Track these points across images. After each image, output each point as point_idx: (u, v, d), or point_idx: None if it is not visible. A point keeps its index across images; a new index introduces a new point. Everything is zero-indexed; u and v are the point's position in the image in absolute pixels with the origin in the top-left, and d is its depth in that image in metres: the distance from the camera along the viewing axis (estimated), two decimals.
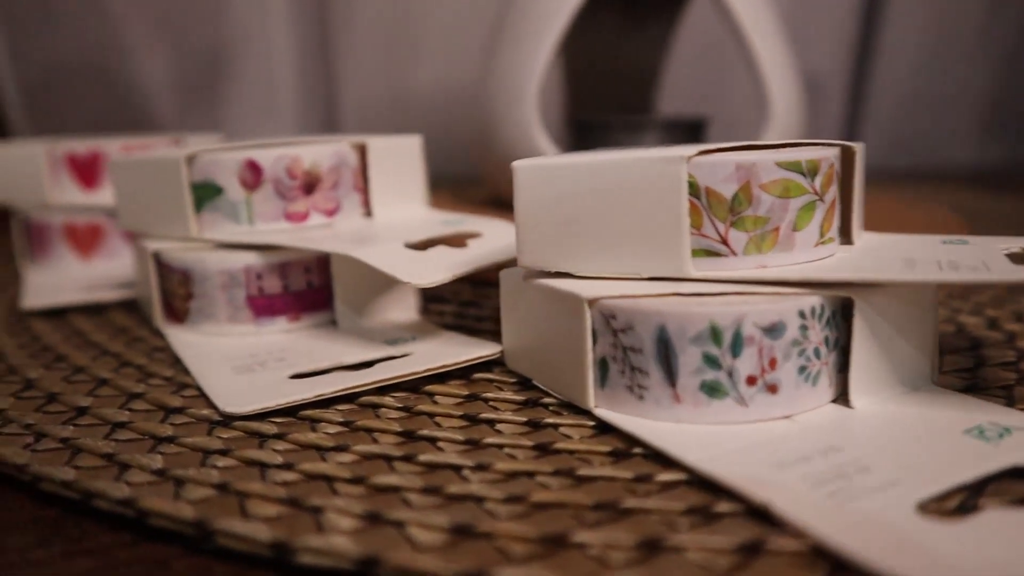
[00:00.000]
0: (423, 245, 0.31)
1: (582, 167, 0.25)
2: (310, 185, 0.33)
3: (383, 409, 0.26)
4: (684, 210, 0.24)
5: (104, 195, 0.44)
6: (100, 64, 0.73)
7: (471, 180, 0.57)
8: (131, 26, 0.73)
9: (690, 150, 0.24)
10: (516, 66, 0.45)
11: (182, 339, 0.32)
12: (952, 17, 0.74)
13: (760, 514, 0.19)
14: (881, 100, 0.78)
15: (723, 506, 0.19)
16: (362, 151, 0.35)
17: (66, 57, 0.73)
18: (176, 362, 0.30)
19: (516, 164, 0.26)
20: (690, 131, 0.49)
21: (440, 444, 0.23)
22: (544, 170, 0.26)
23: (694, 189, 0.24)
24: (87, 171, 0.44)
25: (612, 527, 0.19)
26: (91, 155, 0.44)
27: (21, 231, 0.45)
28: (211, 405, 0.26)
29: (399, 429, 0.24)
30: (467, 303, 0.37)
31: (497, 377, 0.28)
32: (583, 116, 0.51)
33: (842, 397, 0.25)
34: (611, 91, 0.59)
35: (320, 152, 0.33)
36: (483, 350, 0.29)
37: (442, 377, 0.28)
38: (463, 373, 0.29)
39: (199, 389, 0.27)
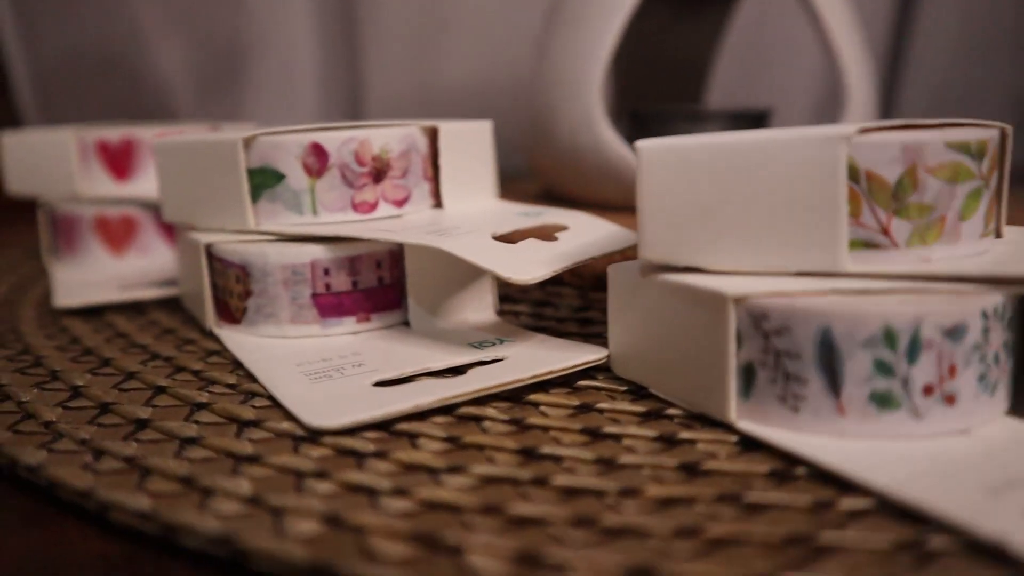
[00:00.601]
0: (511, 238, 0.27)
1: (722, 148, 0.21)
2: (379, 172, 0.30)
3: (487, 422, 0.22)
4: (842, 196, 0.20)
5: (137, 186, 0.40)
6: (115, 53, 0.70)
7: (515, 174, 0.53)
8: (148, 13, 0.69)
9: (849, 128, 0.20)
10: (577, 51, 0.41)
11: (239, 341, 0.28)
12: (986, 9, 0.71)
13: (987, 550, 0.16)
14: (912, 92, 0.75)
15: (937, 541, 0.16)
16: (432, 136, 0.31)
17: (80, 46, 0.70)
18: (236, 367, 0.27)
19: (641, 145, 0.22)
20: (754, 124, 0.45)
21: (567, 464, 0.20)
22: (674, 152, 0.22)
23: (852, 173, 0.21)
24: (119, 160, 0.40)
25: (821, 570, 0.15)
26: (124, 143, 0.40)
27: (47, 224, 0.41)
28: (290, 417, 0.22)
29: (514, 446, 0.21)
30: (541, 303, 0.33)
31: (605, 384, 0.25)
32: (639, 107, 0.48)
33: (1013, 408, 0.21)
34: (659, 82, 0.55)
35: (390, 136, 0.30)
36: (588, 354, 0.26)
37: (543, 385, 0.25)
38: (565, 380, 0.25)
39: (272, 399, 0.24)
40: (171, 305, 0.35)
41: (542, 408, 0.23)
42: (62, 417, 0.23)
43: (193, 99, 0.71)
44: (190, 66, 0.71)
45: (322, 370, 0.25)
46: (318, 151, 0.29)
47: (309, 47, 0.72)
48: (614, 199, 0.42)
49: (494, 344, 0.27)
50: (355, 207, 0.30)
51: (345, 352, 0.27)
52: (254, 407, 0.23)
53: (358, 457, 0.20)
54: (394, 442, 0.21)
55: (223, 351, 0.28)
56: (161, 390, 0.25)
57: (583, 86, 0.41)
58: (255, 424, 0.22)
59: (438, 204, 0.32)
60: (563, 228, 0.30)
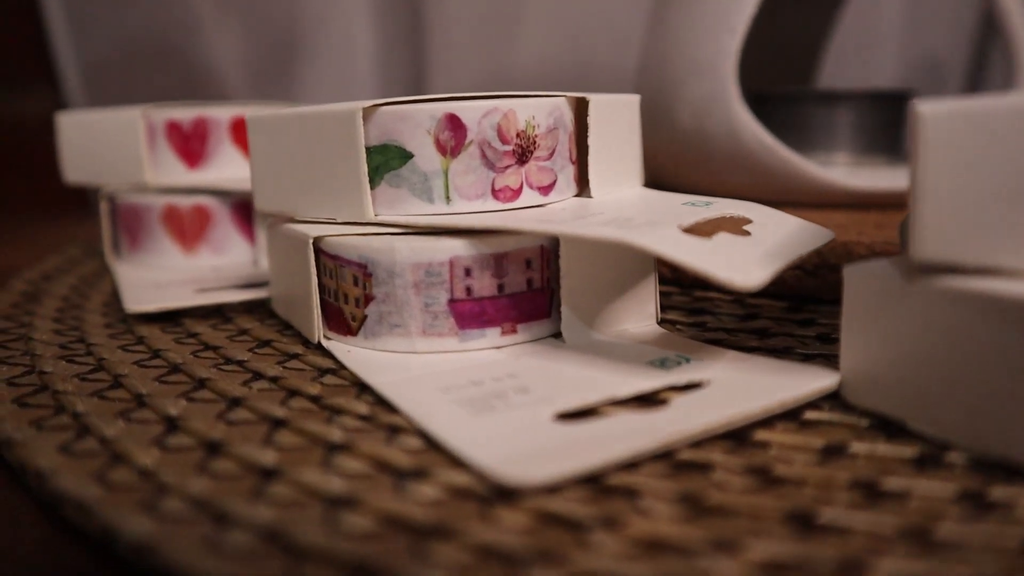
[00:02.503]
0: (702, 231, 0.21)
1: None
2: (524, 151, 0.24)
3: (718, 473, 0.16)
4: None
5: (210, 173, 0.34)
6: (168, 41, 0.64)
7: None
8: (201, 0, 0.63)
9: None
10: (707, 24, 0.35)
11: (358, 357, 0.22)
12: None
13: None
14: (1002, 82, 0.68)
15: None
16: (579, 109, 0.25)
17: (131, 34, 0.64)
18: (362, 391, 0.21)
19: (924, 110, 0.16)
20: (893, 105, 0.39)
21: (863, 540, 0.14)
22: (975, 117, 0.16)
23: None
24: (191, 144, 0.34)
25: None
26: (197, 124, 0.34)
27: (109, 216, 0.35)
28: (457, 464, 0.16)
29: (775, 510, 0.15)
30: (694, 309, 0.27)
31: (838, 417, 0.19)
32: (763, 88, 0.41)
33: None
34: (765, 62, 0.49)
35: (537, 107, 0.24)
36: (815, 379, 0.19)
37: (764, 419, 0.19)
38: (787, 412, 0.19)
39: (426, 437, 0.18)
40: (256, 308, 0.29)
41: (774, 450, 0.17)
42: (161, 462, 0.17)
43: (247, 88, 0.65)
44: (244, 54, 0.65)
45: (479, 397, 0.19)
46: (455, 124, 0.23)
47: (367, 31, 0.66)
48: (747, 189, 0.35)
49: (680, 364, 0.21)
50: (495, 194, 0.23)
51: (498, 373, 0.21)
52: (407, 450, 0.17)
53: (575, 529, 0.14)
54: (610, 503, 0.15)
55: (339, 369, 0.22)
56: (279, 423, 0.19)
57: (714, 63, 0.35)
58: (418, 475, 0.16)
59: (582, 191, 0.26)
60: (747, 221, 0.24)
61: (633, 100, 0.27)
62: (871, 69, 0.64)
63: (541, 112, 0.24)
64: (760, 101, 0.40)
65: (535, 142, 0.24)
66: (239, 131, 0.34)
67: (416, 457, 0.17)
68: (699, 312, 0.27)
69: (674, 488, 0.16)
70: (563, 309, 0.23)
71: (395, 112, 0.23)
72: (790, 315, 0.27)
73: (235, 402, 0.20)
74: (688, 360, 0.21)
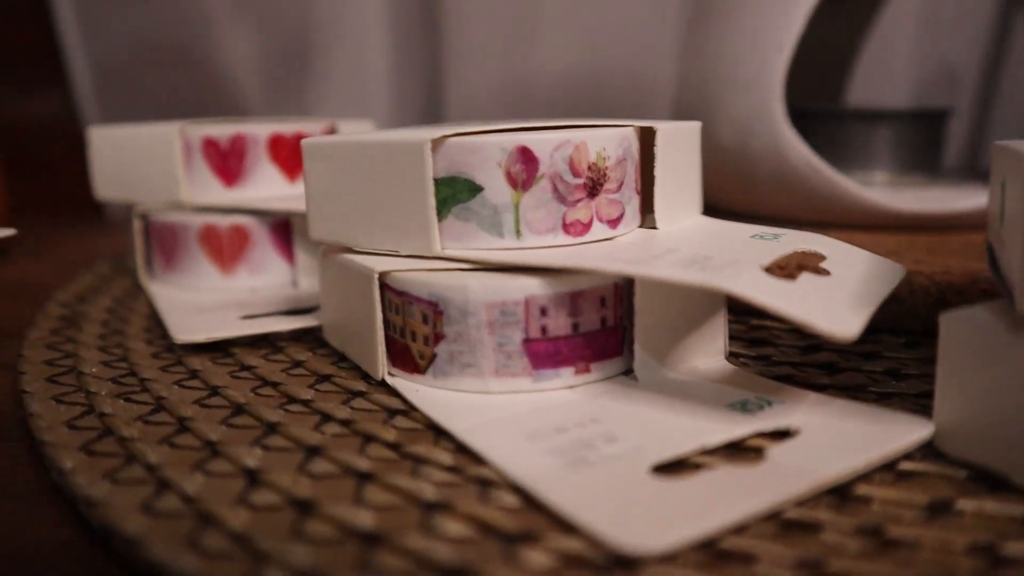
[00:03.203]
0: (784, 271, 0.21)
1: None
2: (595, 184, 0.23)
3: (829, 533, 0.16)
4: None
5: (247, 192, 0.33)
6: (180, 43, 0.62)
7: None
8: (214, 1, 0.62)
9: None
10: (752, 40, 0.34)
11: (428, 398, 0.22)
12: None
13: None
14: (1015, 94, 0.68)
15: None
16: (645, 139, 0.25)
17: (143, 36, 0.62)
18: (439, 435, 0.20)
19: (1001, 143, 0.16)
20: (933, 123, 0.38)
21: None
22: None
23: None
24: (229, 162, 0.33)
25: None
26: (235, 142, 0.33)
27: (143, 235, 0.34)
28: (563, 525, 0.16)
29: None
30: (753, 341, 0.27)
31: (936, 469, 0.18)
32: (802, 104, 0.41)
33: None
34: (795, 77, 0.48)
35: (607, 139, 0.23)
36: (910, 429, 0.19)
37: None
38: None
39: (527, 496, 0.17)
40: (304, 335, 0.28)
41: (877, 505, 0.17)
42: (252, 525, 0.16)
43: (260, 92, 0.64)
44: (256, 57, 0.64)
45: (567, 447, 0.19)
46: (527, 157, 0.22)
47: (381, 36, 0.65)
48: (790, 209, 0.35)
49: (763, 407, 0.21)
50: (566, 228, 0.23)
51: (579, 417, 0.20)
52: (507, 509, 0.16)
53: None
54: (729, 571, 0.14)
55: (409, 410, 0.21)
56: (365, 477, 0.18)
57: (759, 81, 0.34)
58: (526, 540, 0.15)
59: (645, 223, 0.25)
60: (822, 257, 0.23)
61: (694, 127, 0.26)
62: (885, 80, 0.64)
63: (611, 143, 0.23)
64: (796, 117, 0.39)
65: (605, 174, 0.23)
66: (277, 148, 0.33)
67: (519, 518, 0.16)
68: (760, 343, 0.27)
69: (790, 553, 0.15)
70: (636, 347, 0.23)
71: (465, 144, 0.22)
72: (853, 346, 0.26)
73: (313, 451, 0.19)
74: (770, 403, 0.21)
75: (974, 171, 0.45)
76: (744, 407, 0.21)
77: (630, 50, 0.62)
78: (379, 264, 0.23)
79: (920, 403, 0.21)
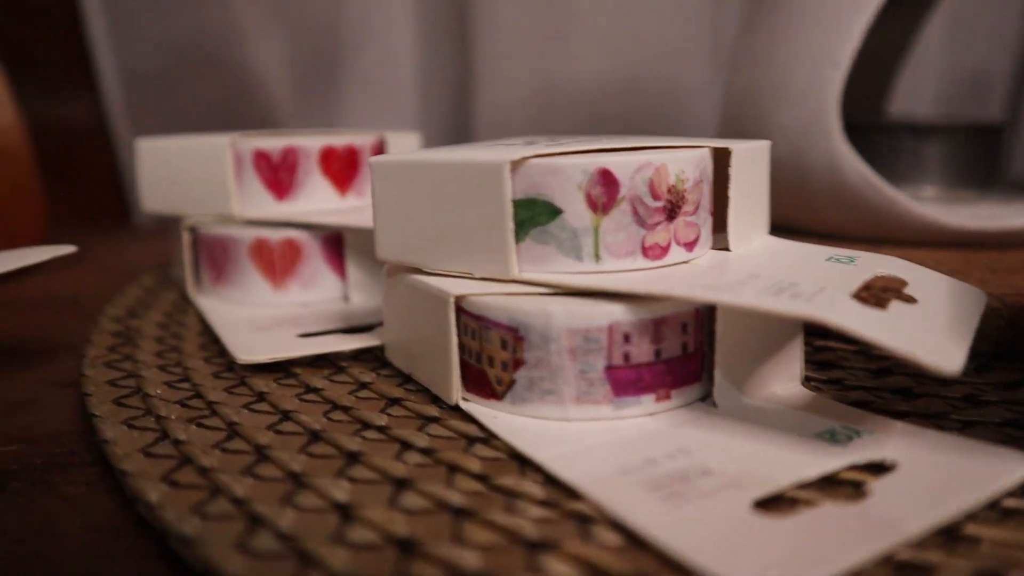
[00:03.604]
0: (875, 298, 0.20)
1: None
2: (674, 206, 0.22)
3: None
4: None
5: (298, 205, 0.33)
6: (208, 49, 0.62)
7: None
8: (245, 7, 0.61)
9: None
10: (808, 57, 0.34)
11: (508, 425, 0.21)
12: None
13: None
14: None
15: None
16: (720, 159, 0.24)
17: (172, 41, 0.62)
18: (523, 465, 0.19)
19: None
20: (984, 138, 0.38)
21: None
22: None
23: None
24: (280, 175, 0.32)
25: None
26: (286, 155, 0.32)
27: (190, 247, 0.33)
28: (673, 565, 0.15)
29: None
30: (816, 363, 0.26)
31: None
32: (849, 117, 0.40)
33: None
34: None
35: (686, 160, 0.22)
36: (1012, 466, 0.18)
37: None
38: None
39: (629, 533, 0.16)
40: (362, 353, 0.27)
41: (987, 546, 0.16)
42: (354, 566, 0.15)
43: (289, 99, 0.64)
44: (286, 64, 0.63)
45: (663, 481, 0.18)
46: (607, 180, 0.21)
47: (410, 42, 0.64)
48: (844, 225, 0.34)
49: (852, 438, 0.20)
50: (645, 252, 0.22)
51: (668, 448, 0.20)
52: (612, 548, 0.16)
53: None
54: None
55: (489, 438, 0.21)
56: (461, 512, 0.17)
57: (815, 96, 0.34)
58: None
59: (717, 245, 0.25)
60: (904, 283, 0.23)
61: (764, 147, 0.26)
62: (913, 87, 0.63)
63: (689, 165, 0.23)
64: (853, 131, 0.39)
65: (684, 196, 0.23)
66: (328, 161, 0.33)
67: (627, 558, 0.16)
68: (828, 365, 0.26)
69: None
70: (716, 374, 0.22)
71: (545, 166, 0.21)
72: (919, 369, 0.25)
73: (401, 483, 0.19)
74: (858, 433, 0.20)
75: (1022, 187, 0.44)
76: (832, 437, 0.20)
77: (662, 58, 0.61)
78: (454, 287, 0.22)
79: (1006, 432, 0.21)
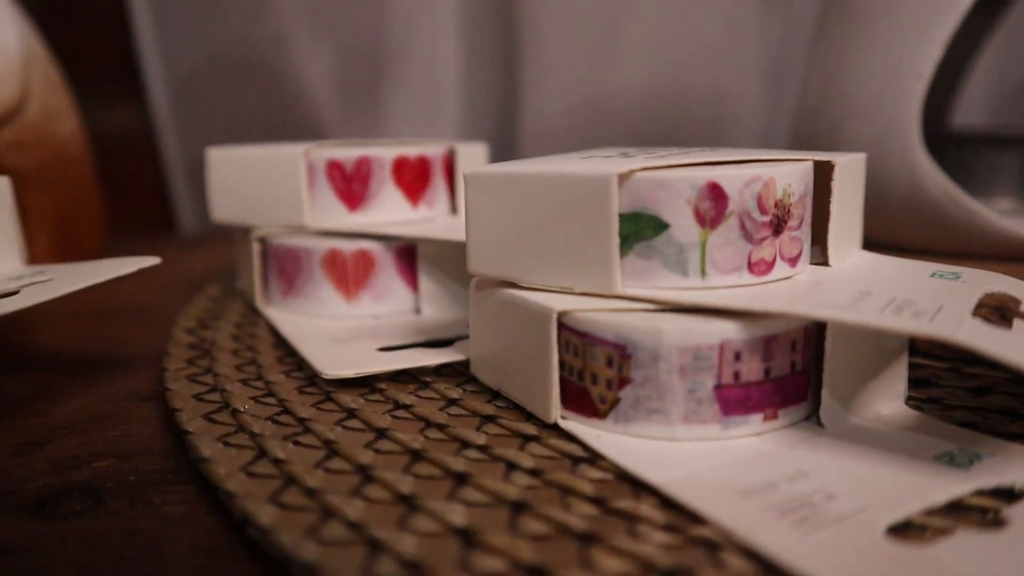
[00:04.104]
0: (990, 315, 0.19)
1: None
2: (780, 221, 0.22)
3: None
4: None
5: (370, 216, 0.32)
6: (254, 57, 0.62)
7: None
8: (292, 18, 0.61)
9: None
10: (889, 68, 0.33)
11: (613, 445, 0.20)
12: None
13: None
14: None
15: None
16: (821, 173, 0.23)
17: (219, 49, 0.62)
18: (636, 488, 0.19)
19: None
20: None
21: None
22: None
23: None
24: (353, 185, 0.32)
25: None
26: (359, 165, 0.32)
27: (260, 258, 0.33)
28: None
29: None
30: (919, 381, 0.25)
31: None
32: (930, 129, 0.39)
33: None
34: None
35: (792, 174, 0.22)
36: None
37: None
38: None
39: (757, 559, 0.16)
40: (442, 369, 0.27)
41: None
42: None
43: (333, 107, 0.63)
44: (331, 73, 0.63)
45: (786, 504, 0.17)
46: (716, 194, 0.21)
47: (455, 51, 0.64)
48: (923, 239, 0.33)
49: (972, 461, 0.19)
50: (751, 267, 0.22)
51: (785, 470, 0.19)
52: None
53: None
54: None
55: (593, 458, 0.20)
56: (587, 538, 0.17)
57: (894, 107, 0.33)
58: None
59: (814, 259, 0.24)
60: (1017, 300, 0.22)
61: (861, 160, 0.25)
62: (961, 100, 0.62)
63: (795, 178, 0.22)
64: (928, 142, 0.38)
65: (790, 211, 0.22)
66: (401, 172, 0.32)
67: None
68: (923, 383, 0.25)
69: None
70: (824, 393, 0.21)
71: (653, 179, 0.21)
72: (1019, 388, 0.25)
73: (518, 507, 0.18)
74: (979, 457, 0.20)
75: None
76: (952, 460, 0.19)
77: (709, 69, 0.60)
78: (556, 302, 0.22)
79: None
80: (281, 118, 0.63)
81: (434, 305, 0.32)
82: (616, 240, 0.21)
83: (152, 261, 0.25)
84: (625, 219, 0.21)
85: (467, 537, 0.17)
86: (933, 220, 0.33)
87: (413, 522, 0.17)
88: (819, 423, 0.21)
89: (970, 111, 0.64)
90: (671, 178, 0.21)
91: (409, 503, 0.18)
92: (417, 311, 0.32)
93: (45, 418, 0.26)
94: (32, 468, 0.22)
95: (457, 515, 0.18)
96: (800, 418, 0.22)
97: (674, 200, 0.21)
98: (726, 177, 0.21)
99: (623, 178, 0.21)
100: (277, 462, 0.20)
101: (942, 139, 0.38)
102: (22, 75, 0.36)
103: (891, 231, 0.34)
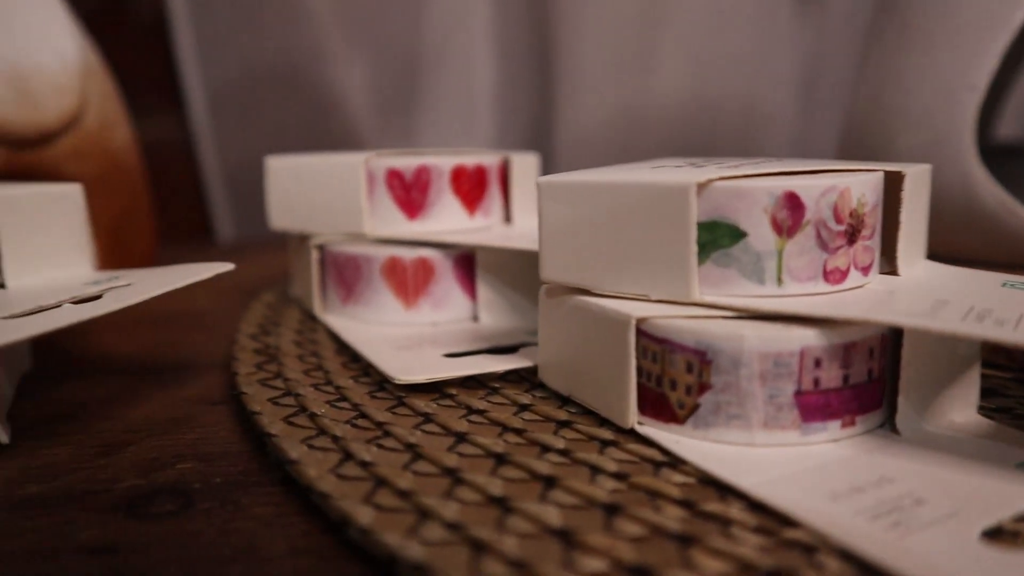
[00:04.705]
0: None
1: None
2: (854, 230, 0.22)
3: None
4: None
5: (429, 225, 0.33)
6: (292, 68, 0.62)
7: None
8: (330, 30, 0.62)
9: None
10: (943, 80, 0.33)
11: (693, 450, 0.21)
12: None
13: None
14: None
15: None
16: (891, 183, 0.24)
17: (258, 60, 0.62)
18: (721, 492, 0.19)
19: None
20: None
21: None
22: None
23: None
24: (412, 194, 0.32)
25: None
26: (419, 173, 0.32)
27: (319, 265, 0.33)
28: None
29: None
30: (986, 391, 0.26)
31: None
32: (992, 139, 0.39)
33: None
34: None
35: (867, 184, 0.22)
36: None
37: None
38: None
39: (854, 560, 0.16)
40: (507, 376, 0.27)
41: None
42: None
43: (369, 117, 0.64)
44: (367, 83, 0.64)
45: (877, 508, 0.18)
46: (793, 203, 0.21)
47: (489, 61, 0.65)
48: (978, 251, 0.34)
49: None
50: (826, 276, 0.22)
51: (868, 475, 0.19)
52: None
53: None
54: None
55: (674, 463, 0.21)
56: (685, 540, 0.17)
57: (948, 118, 0.33)
58: None
59: (882, 269, 0.25)
60: None
61: (927, 170, 0.25)
62: (1004, 111, 0.62)
63: (869, 189, 0.22)
64: (986, 154, 0.38)
65: (863, 221, 0.22)
66: (459, 181, 0.33)
67: None
68: (991, 393, 0.26)
69: None
70: (900, 400, 0.22)
71: (731, 188, 0.21)
72: None
73: (611, 509, 0.18)
74: None
75: None
76: None
77: (743, 80, 0.61)
78: (634, 309, 0.22)
79: None
80: (317, 128, 0.63)
81: (492, 313, 0.32)
82: (694, 248, 0.21)
83: (227, 267, 0.25)
84: (703, 228, 0.22)
85: (566, 538, 0.17)
86: (988, 231, 0.33)
87: (510, 523, 0.18)
88: (894, 430, 0.22)
89: (1009, 121, 0.64)
90: (749, 188, 0.21)
91: (503, 505, 0.19)
92: (474, 319, 0.33)
93: (121, 421, 0.26)
94: (118, 469, 0.23)
95: (553, 516, 0.18)
96: (875, 425, 0.22)
97: (752, 209, 0.21)
98: (803, 187, 0.21)
99: (701, 187, 0.21)
100: (364, 464, 0.21)
101: (990, 150, 0.39)
102: (81, 85, 0.37)
103: (944, 241, 0.34)
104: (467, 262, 0.32)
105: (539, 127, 0.65)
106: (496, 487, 0.19)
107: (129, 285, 0.25)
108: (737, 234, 0.21)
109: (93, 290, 0.25)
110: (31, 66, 0.35)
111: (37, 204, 0.27)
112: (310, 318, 0.35)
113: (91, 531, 0.19)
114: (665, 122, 0.61)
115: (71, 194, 0.28)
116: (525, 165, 0.35)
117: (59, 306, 0.23)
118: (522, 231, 0.33)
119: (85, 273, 0.28)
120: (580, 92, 0.62)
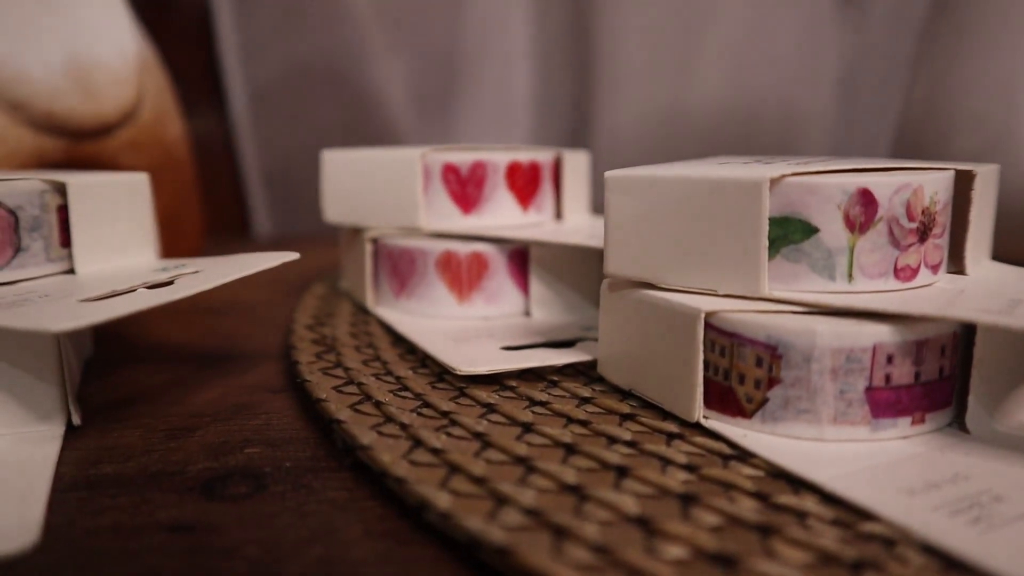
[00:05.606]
0: None
1: None
2: (926, 228, 0.22)
3: None
4: None
5: (484, 220, 0.33)
6: (333, 67, 0.63)
7: None
8: (370, 28, 0.62)
9: None
10: (996, 76, 0.33)
11: (762, 444, 0.21)
12: None
13: None
14: None
15: None
16: (961, 182, 0.24)
17: (299, 59, 0.63)
18: (794, 485, 0.19)
19: None
20: None
21: None
22: None
23: None
24: (468, 189, 0.33)
25: None
26: (474, 168, 0.33)
27: (371, 258, 0.34)
28: None
29: None
30: None
31: None
32: None
33: None
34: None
35: (939, 183, 0.22)
36: None
37: None
38: None
39: (936, 554, 0.16)
40: (564, 369, 0.27)
41: None
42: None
43: (408, 115, 0.64)
44: (406, 81, 0.64)
45: (956, 504, 0.18)
46: (866, 200, 0.21)
47: (527, 60, 0.65)
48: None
49: None
50: (897, 273, 0.22)
51: (943, 472, 0.19)
52: (930, 573, 0.16)
53: None
54: None
55: (742, 456, 0.21)
56: (766, 531, 0.17)
57: (1002, 118, 0.33)
58: None
59: (949, 268, 0.25)
60: None
61: (994, 170, 0.25)
62: None
63: (941, 187, 0.22)
64: None
65: (935, 219, 0.22)
66: (514, 176, 0.33)
67: None
68: None
69: None
70: (970, 399, 0.22)
71: (804, 184, 0.21)
72: None
73: (688, 499, 0.18)
74: None
75: None
76: None
77: (783, 82, 0.61)
78: (703, 303, 0.22)
79: None
80: (356, 126, 0.64)
81: (544, 308, 0.32)
82: (765, 243, 0.21)
83: (292, 256, 0.26)
84: (774, 223, 0.22)
85: (645, 525, 0.17)
86: None
87: (588, 510, 0.18)
88: (963, 429, 0.22)
89: None
90: (822, 184, 0.21)
91: (579, 493, 0.19)
92: (527, 313, 0.33)
93: (186, 406, 0.26)
94: (188, 452, 0.23)
95: (630, 504, 0.18)
96: (944, 424, 0.22)
97: (824, 205, 0.21)
98: (877, 184, 0.21)
99: (774, 183, 0.21)
100: (436, 451, 0.21)
101: None
102: (138, 78, 0.37)
103: (1000, 242, 0.34)
104: (520, 257, 0.32)
105: (577, 127, 0.65)
106: (570, 475, 0.19)
107: (198, 272, 0.25)
108: (809, 230, 0.22)
109: (163, 276, 0.25)
110: (92, 59, 0.35)
111: (106, 192, 0.27)
112: (362, 311, 0.35)
113: (169, 511, 0.20)
114: (704, 123, 0.61)
115: (138, 183, 0.29)
116: (575, 162, 0.35)
117: (133, 291, 0.23)
118: (574, 227, 0.33)
119: (151, 260, 0.29)
120: (619, 92, 0.62)
